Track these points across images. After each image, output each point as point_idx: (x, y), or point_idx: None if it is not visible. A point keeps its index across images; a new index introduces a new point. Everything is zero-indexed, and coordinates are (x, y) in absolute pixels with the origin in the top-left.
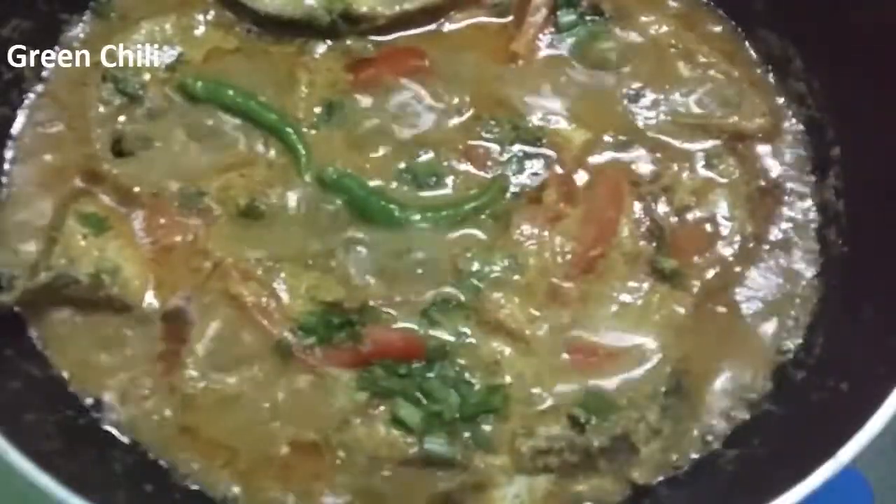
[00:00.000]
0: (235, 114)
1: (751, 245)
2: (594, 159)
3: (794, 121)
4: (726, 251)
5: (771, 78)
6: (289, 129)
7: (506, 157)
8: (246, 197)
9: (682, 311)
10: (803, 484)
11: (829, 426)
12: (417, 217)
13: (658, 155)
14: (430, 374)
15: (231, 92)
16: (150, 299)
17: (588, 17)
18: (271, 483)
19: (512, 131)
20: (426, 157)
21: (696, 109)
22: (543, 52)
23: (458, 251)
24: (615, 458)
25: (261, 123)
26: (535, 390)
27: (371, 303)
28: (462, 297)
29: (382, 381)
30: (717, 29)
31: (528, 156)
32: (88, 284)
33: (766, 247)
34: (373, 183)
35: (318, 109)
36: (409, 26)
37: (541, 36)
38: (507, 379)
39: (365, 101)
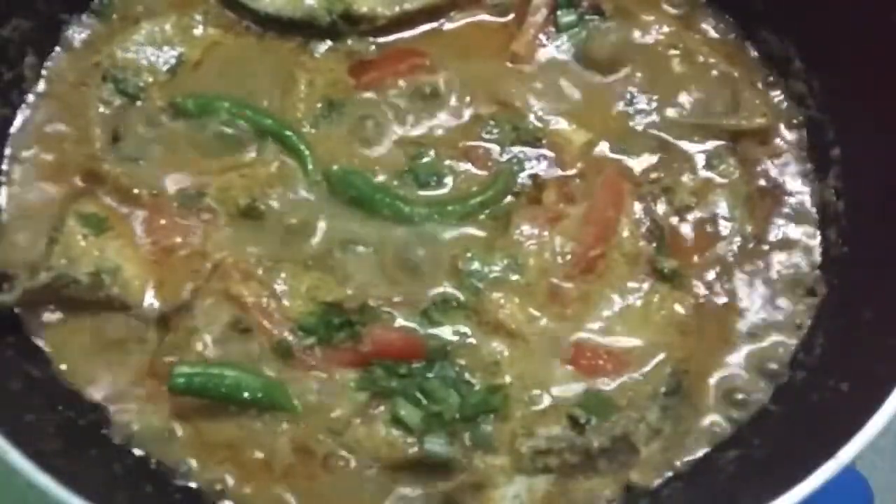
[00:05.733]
0: (232, 123)
1: (751, 245)
2: (594, 159)
3: (794, 121)
4: (726, 251)
5: (771, 78)
6: (288, 132)
7: (506, 157)
8: (246, 197)
9: (682, 311)
10: (803, 484)
11: (829, 426)
12: (424, 212)
13: (658, 155)
14: (430, 375)
15: (226, 104)
16: (150, 300)
17: (588, 17)
18: (271, 483)
19: (512, 131)
20: (426, 156)
21: (696, 110)
22: (544, 52)
23: (459, 251)
24: (615, 458)
25: (259, 129)
26: (535, 391)
27: (371, 303)
28: (462, 297)
29: (382, 382)
30: (718, 29)
31: (528, 156)
32: (88, 284)
33: (766, 247)
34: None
35: (317, 108)
36: (410, 26)
37: (541, 36)
38: (507, 379)
39: (365, 100)
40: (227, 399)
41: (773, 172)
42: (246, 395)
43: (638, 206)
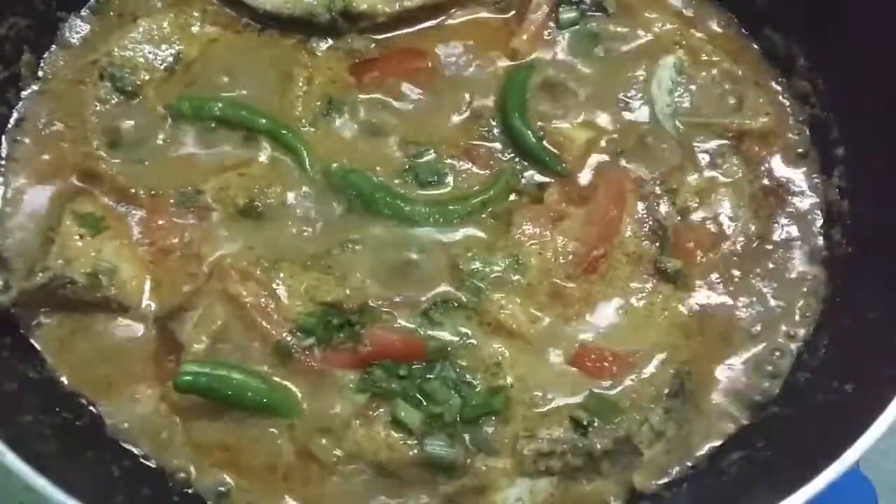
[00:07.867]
0: (228, 123)
1: (755, 245)
2: (597, 158)
3: (798, 120)
4: (730, 251)
5: (775, 77)
6: (284, 131)
7: (507, 156)
8: (244, 196)
9: (685, 311)
10: (808, 486)
11: (834, 428)
12: (425, 211)
13: (661, 154)
14: (431, 376)
15: (220, 104)
16: (147, 300)
17: (590, 14)
18: (269, 486)
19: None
20: (427, 155)
21: (699, 108)
22: (545, 50)
23: (459, 251)
24: (618, 460)
25: (255, 128)
26: (537, 392)
27: (371, 303)
28: (463, 298)
29: (382, 383)
30: (722, 27)
31: None
32: (85, 285)
33: (770, 246)
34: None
35: (317, 107)
36: (410, 23)
37: (543, 32)
38: (509, 380)
39: (365, 99)
40: (230, 401)
41: (777, 172)
42: (250, 398)
43: (641, 206)
